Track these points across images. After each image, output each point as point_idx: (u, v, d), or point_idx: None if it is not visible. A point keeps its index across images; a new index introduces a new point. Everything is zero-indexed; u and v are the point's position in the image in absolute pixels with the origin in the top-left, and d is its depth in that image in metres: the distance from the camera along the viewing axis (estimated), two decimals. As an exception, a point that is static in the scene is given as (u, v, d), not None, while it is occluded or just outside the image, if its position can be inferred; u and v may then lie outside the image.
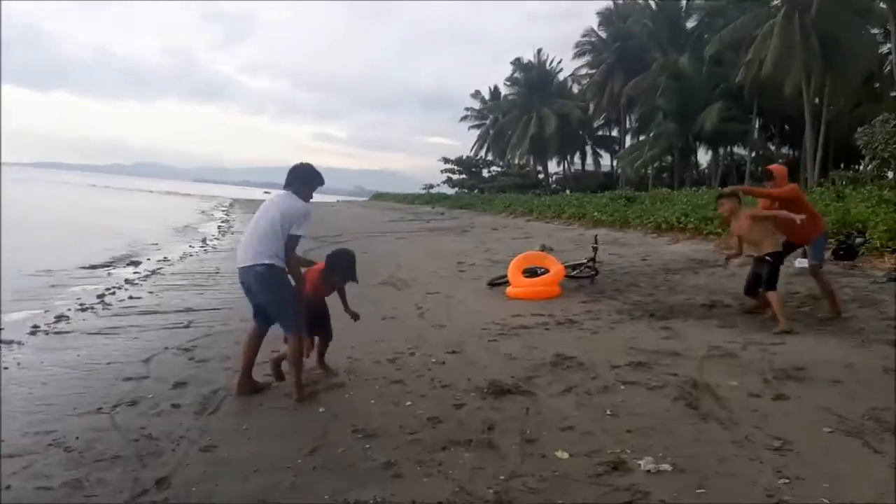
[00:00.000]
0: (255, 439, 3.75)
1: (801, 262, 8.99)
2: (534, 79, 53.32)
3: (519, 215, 27.48)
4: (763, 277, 6.25)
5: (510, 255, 11.76)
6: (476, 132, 62.02)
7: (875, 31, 30.25)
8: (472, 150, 62.39)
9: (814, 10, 27.04)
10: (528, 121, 50.46)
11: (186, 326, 6.90)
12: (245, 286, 4.45)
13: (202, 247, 16.97)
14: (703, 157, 44.11)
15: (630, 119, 48.44)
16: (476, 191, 55.62)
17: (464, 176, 61.22)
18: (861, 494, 2.83)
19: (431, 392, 4.51)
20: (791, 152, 41.94)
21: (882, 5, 27.10)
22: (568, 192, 44.31)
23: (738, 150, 41.97)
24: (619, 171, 47.73)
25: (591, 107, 50.32)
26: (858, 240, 9.85)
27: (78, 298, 8.43)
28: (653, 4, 42.43)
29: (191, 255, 14.58)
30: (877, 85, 32.30)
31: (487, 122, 60.41)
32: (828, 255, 9.44)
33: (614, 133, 54.00)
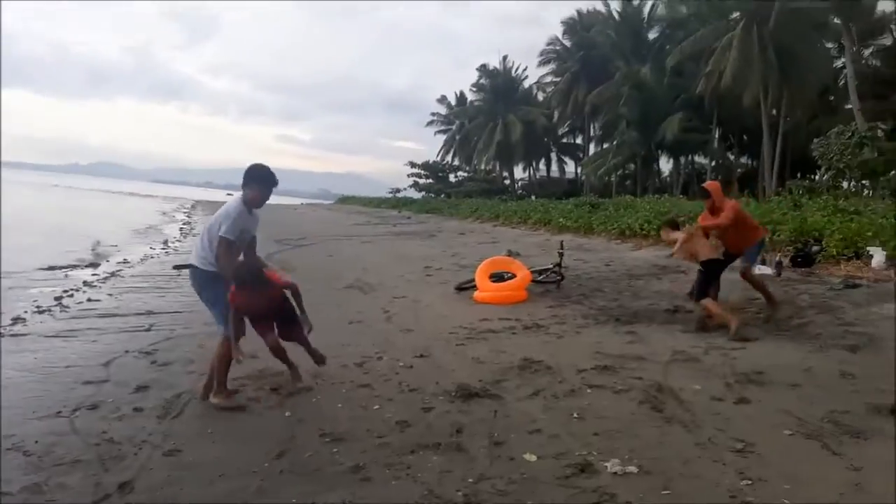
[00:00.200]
0: (220, 443, 3.69)
1: (762, 269, 9.23)
2: (499, 85, 53.64)
3: (485, 220, 27.59)
4: (695, 286, 6.52)
5: (477, 259, 11.81)
6: (442, 137, 62.15)
7: (830, 45, 31.27)
8: (438, 155, 62.47)
9: (772, 23, 27.82)
10: (493, 127, 50.74)
11: (147, 330, 6.76)
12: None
13: (163, 248, 16.65)
14: (666, 165, 44.99)
15: (594, 127, 49.08)
16: (443, 195, 55.67)
17: (430, 180, 61.21)
18: (821, 495, 2.91)
19: (399, 396, 4.50)
20: (749, 162, 43.04)
21: (836, 21, 28.07)
22: (533, 197, 44.61)
23: (699, 159, 42.85)
24: (584, 177, 48.27)
25: (556, 114, 50.77)
26: (815, 248, 10.14)
27: (34, 301, 8.19)
28: (616, 15, 43.15)
29: (151, 257, 14.31)
30: (832, 98, 33.39)
31: (454, 127, 60.55)
32: (786, 262, 9.73)
33: (579, 140, 54.65)
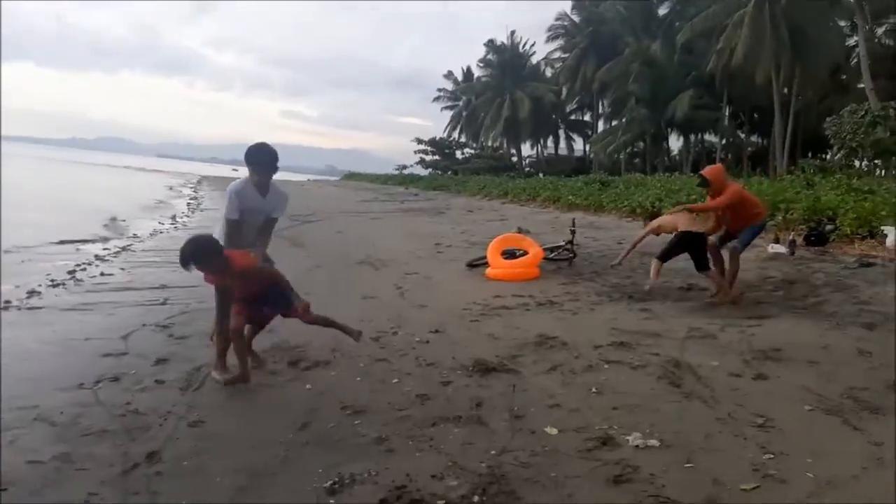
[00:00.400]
0: (243, 415, 3.73)
1: (775, 248, 9.21)
2: (507, 61, 53.21)
3: (493, 197, 27.54)
4: (666, 246, 6.80)
5: (487, 236, 11.81)
6: (449, 113, 61.90)
7: (843, 23, 30.82)
8: (445, 132, 62.25)
9: (784, 0, 27.42)
10: (501, 103, 50.44)
11: (163, 303, 6.79)
12: None
13: (172, 224, 16.69)
14: (675, 143, 44.72)
15: (603, 104, 48.74)
16: (449, 172, 55.54)
17: (437, 157, 61.02)
18: (843, 469, 2.93)
19: (417, 370, 4.53)
20: (760, 140, 42.73)
21: (850, -1, 27.69)
22: (541, 175, 44.48)
23: (709, 137, 42.57)
24: (592, 155, 48.08)
25: (564, 91, 50.40)
26: (829, 227, 10.10)
27: (48, 275, 8.23)
28: (625, -11, 42.65)
29: (161, 233, 14.34)
30: (843, 77, 33.00)
31: (460, 103, 60.23)
32: (799, 240, 9.70)
33: (587, 118, 54.32)
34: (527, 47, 54.86)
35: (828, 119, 21.25)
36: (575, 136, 55.61)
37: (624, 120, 40.97)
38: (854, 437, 3.31)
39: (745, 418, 3.54)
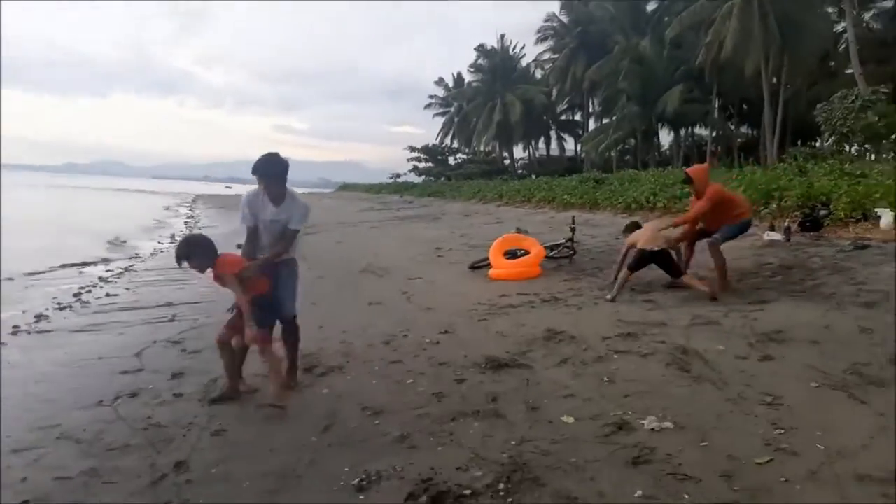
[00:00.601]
0: (264, 422, 3.80)
1: (771, 235, 9.32)
2: (497, 65, 53.43)
3: (489, 201, 27.65)
4: (632, 259, 6.85)
5: (485, 239, 11.90)
6: (441, 120, 62.07)
7: (830, 9, 31.06)
8: (437, 138, 62.43)
9: (772, -11, 27.67)
10: (492, 107, 50.63)
11: (171, 320, 6.86)
12: None
13: (171, 242, 16.75)
14: (666, 138, 44.93)
15: (593, 103, 48.95)
16: (443, 178, 55.68)
17: (430, 164, 61.20)
18: (852, 440, 3.02)
19: (431, 370, 4.61)
20: (750, 131, 42.95)
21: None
22: (534, 176, 44.63)
23: (699, 131, 42.79)
24: (584, 154, 48.22)
25: (555, 92, 50.61)
26: (823, 212, 10.20)
27: (54, 298, 8.29)
28: (613, -12, 42.92)
29: (162, 252, 14.41)
30: (832, 63, 33.23)
31: (452, 109, 60.42)
32: (794, 227, 9.81)
33: (577, 117, 54.51)
34: (517, 50, 55.19)
35: (818, 106, 21.45)
36: (566, 136, 55.83)
37: (615, 118, 41.12)
38: (860, 409, 3.41)
39: (754, 398, 3.64)
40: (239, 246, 4.54)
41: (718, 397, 3.70)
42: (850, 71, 27.06)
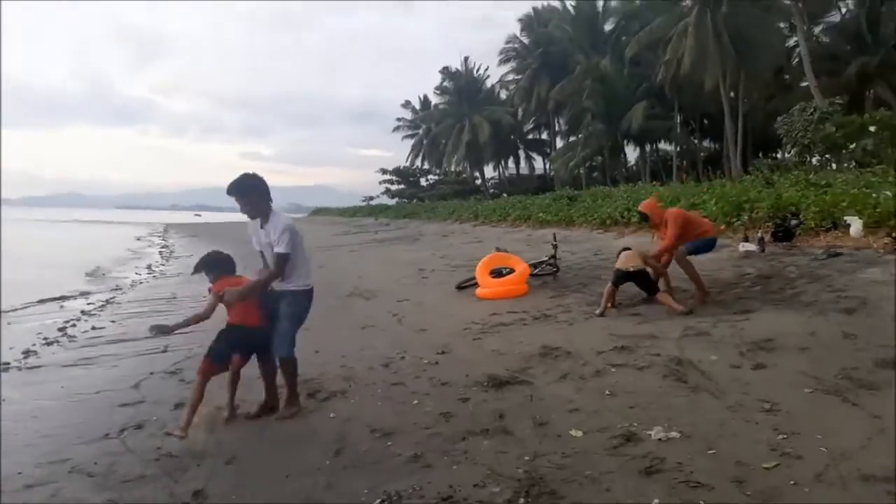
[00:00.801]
0: (276, 448, 3.83)
1: (745, 246, 9.60)
2: (463, 87, 54.08)
3: (464, 221, 27.83)
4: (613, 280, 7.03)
5: (467, 259, 12.04)
6: (410, 142, 62.39)
7: (782, 24, 32.15)
8: (407, 160, 62.70)
9: (724, 7, 28.56)
10: (461, 128, 51.10)
11: (164, 351, 6.84)
12: None
13: (149, 273, 16.58)
14: (632, 154, 45.75)
15: (559, 122, 49.67)
16: (416, 200, 55.89)
17: (403, 186, 61.44)
18: (851, 442, 3.17)
19: (434, 390, 4.68)
20: (713, 145, 43.99)
21: (786, 0, 28.97)
22: (505, 195, 45.04)
23: (664, 146, 43.70)
24: (553, 172, 48.84)
25: (521, 112, 51.28)
26: (794, 221, 10.50)
27: (39, 333, 8.18)
28: (571, 9, 43.87)
29: (141, 283, 14.26)
30: (787, 77, 34.29)
31: (420, 131, 60.80)
32: (767, 237, 10.11)
33: (545, 136, 55.28)
34: (481, 72, 55.91)
35: (779, 118, 22.12)
36: (534, 155, 56.57)
37: (581, 136, 41.77)
38: (855, 412, 3.57)
39: (752, 405, 3.78)
40: None
41: (718, 406, 3.84)
42: (805, 84, 28.00)
